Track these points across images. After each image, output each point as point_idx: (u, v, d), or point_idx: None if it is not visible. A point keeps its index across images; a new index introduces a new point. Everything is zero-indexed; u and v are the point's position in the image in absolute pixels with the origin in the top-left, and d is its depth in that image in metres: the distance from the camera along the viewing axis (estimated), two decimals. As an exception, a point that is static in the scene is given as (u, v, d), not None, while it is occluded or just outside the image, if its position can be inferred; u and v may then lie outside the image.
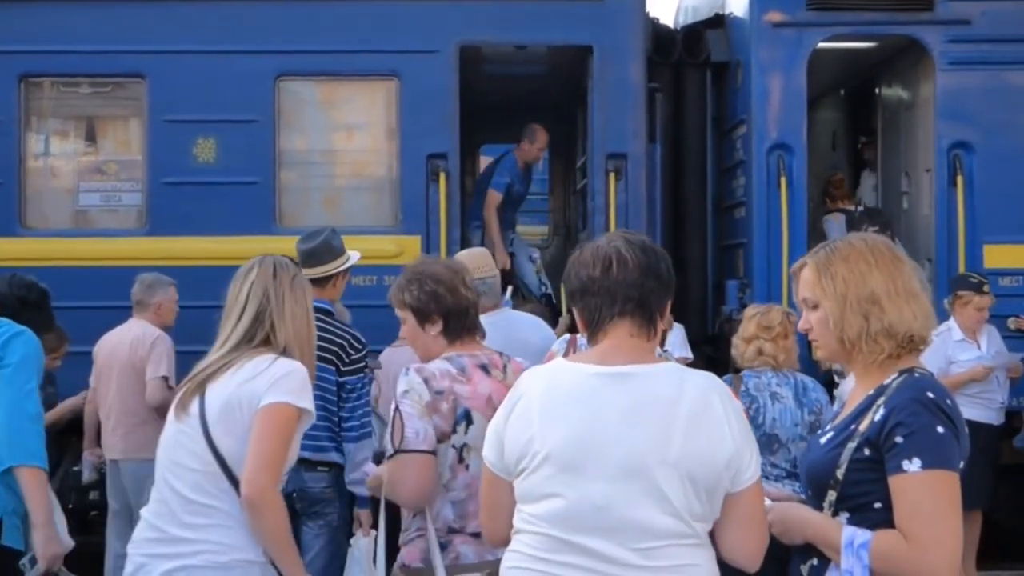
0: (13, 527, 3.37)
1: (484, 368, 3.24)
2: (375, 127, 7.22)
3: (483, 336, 3.40)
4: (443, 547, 3.12)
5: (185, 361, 6.11)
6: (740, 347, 4.86)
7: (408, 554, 3.19)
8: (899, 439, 2.29)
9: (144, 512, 3.03)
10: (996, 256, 7.12)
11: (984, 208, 7.12)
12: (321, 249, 4.75)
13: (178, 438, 2.95)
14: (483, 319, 3.58)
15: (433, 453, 3.09)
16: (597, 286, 2.40)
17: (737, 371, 4.88)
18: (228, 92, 6.91)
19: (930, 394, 2.34)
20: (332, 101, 7.24)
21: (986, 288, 6.55)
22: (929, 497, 2.26)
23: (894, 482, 2.29)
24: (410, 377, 3.15)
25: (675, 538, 2.27)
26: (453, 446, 3.13)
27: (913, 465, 2.26)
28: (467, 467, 3.12)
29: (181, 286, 6.19)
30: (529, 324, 5.02)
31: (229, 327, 3.07)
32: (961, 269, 7.03)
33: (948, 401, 2.34)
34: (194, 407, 2.94)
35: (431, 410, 3.09)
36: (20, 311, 3.72)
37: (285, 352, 3.02)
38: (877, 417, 2.35)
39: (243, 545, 2.89)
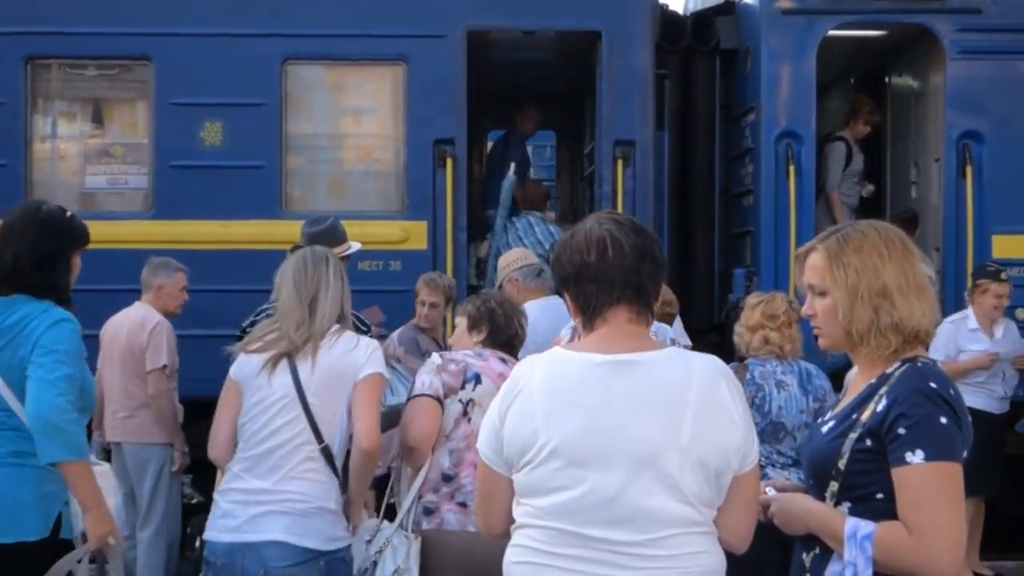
0: (67, 517, 3.36)
1: (502, 360, 3.73)
2: (382, 112, 7.19)
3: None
4: (431, 512, 3.56)
5: (189, 345, 6.19)
6: (745, 336, 4.83)
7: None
8: (902, 430, 2.27)
9: (232, 466, 3.41)
10: (1005, 246, 7.09)
11: (993, 198, 7.09)
12: (328, 234, 4.82)
13: (266, 405, 3.36)
14: (533, 304, 4.27)
15: (438, 400, 3.57)
16: (593, 271, 2.34)
17: (741, 359, 4.87)
18: (235, 75, 6.89)
19: (933, 384, 2.32)
20: (339, 85, 7.22)
21: (1003, 276, 6.56)
22: (932, 489, 2.24)
23: (897, 474, 2.27)
24: (432, 356, 3.74)
25: (686, 526, 2.25)
26: (460, 400, 3.61)
27: (916, 457, 2.25)
28: (469, 420, 3.60)
29: (187, 270, 6.18)
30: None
31: (304, 312, 3.45)
32: (969, 259, 7.02)
33: (951, 391, 2.33)
34: (283, 378, 3.35)
35: (440, 370, 3.63)
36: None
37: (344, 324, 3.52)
38: (879, 407, 2.33)
39: (323, 496, 3.35)
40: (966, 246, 7.07)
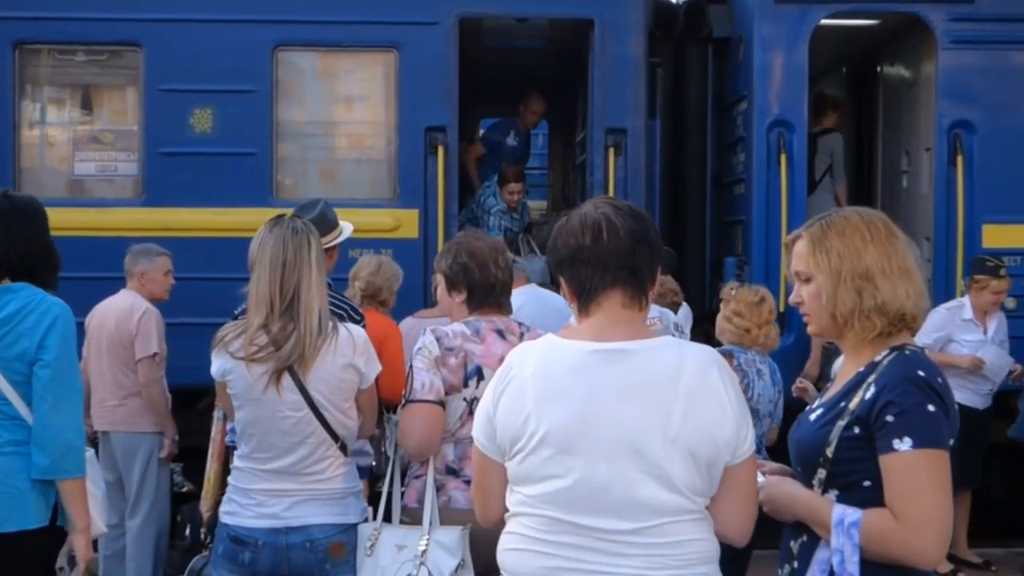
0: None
1: (500, 332, 3.45)
2: (374, 99, 7.17)
3: (509, 312, 3.60)
4: (437, 488, 3.37)
5: (181, 333, 6.16)
6: (765, 330, 4.91)
7: (407, 495, 3.46)
8: (890, 418, 2.28)
9: (242, 464, 3.37)
10: (995, 236, 7.11)
11: (983, 188, 7.11)
12: (318, 221, 4.73)
13: (276, 420, 3.28)
14: (515, 292, 3.83)
15: (440, 404, 3.32)
16: (587, 255, 2.34)
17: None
18: (225, 62, 6.85)
19: (921, 372, 2.33)
20: (330, 72, 7.19)
21: (1003, 272, 6.55)
22: (919, 476, 2.25)
23: (884, 461, 2.28)
24: (425, 336, 3.41)
25: (677, 514, 2.25)
26: (464, 399, 3.36)
27: (904, 444, 2.26)
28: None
29: (177, 257, 6.15)
30: (556, 296, 5.22)
31: (280, 307, 3.28)
32: (960, 248, 7.04)
33: (939, 379, 2.34)
34: (292, 395, 3.26)
35: (439, 364, 3.34)
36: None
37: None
38: (868, 395, 2.34)
39: (352, 482, 3.42)
40: (956, 235, 7.09)
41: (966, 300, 6.62)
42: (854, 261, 2.40)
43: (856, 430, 2.33)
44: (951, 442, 2.32)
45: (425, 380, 3.33)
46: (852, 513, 2.30)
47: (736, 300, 4.98)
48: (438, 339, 3.38)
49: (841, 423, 2.35)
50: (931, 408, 2.27)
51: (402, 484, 3.50)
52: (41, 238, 3.44)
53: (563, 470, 2.26)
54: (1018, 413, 6.49)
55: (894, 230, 2.47)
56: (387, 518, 3.44)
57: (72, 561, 3.32)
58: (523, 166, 8.41)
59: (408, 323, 5.89)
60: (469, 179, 8.51)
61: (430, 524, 3.31)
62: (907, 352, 2.38)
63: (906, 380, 2.30)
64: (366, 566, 3.33)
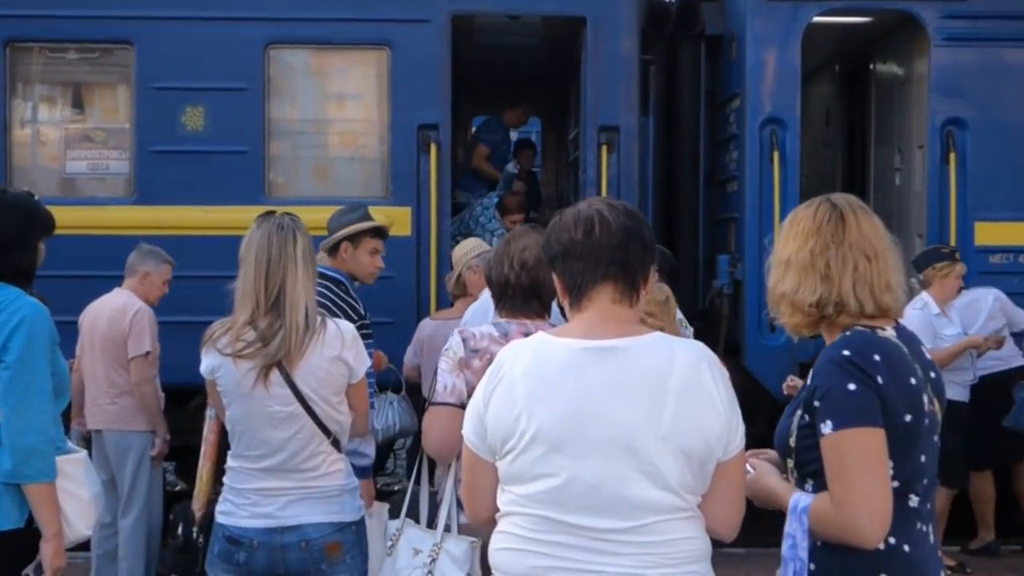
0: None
1: (528, 336, 3.33)
2: (366, 97, 7.15)
3: (542, 315, 3.45)
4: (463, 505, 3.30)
5: (172, 332, 6.14)
6: (673, 327, 4.77)
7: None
8: (818, 403, 2.33)
9: (235, 464, 3.36)
10: (987, 233, 7.12)
11: (976, 185, 7.12)
12: (333, 220, 4.82)
13: (265, 416, 3.28)
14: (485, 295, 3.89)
15: (461, 407, 3.22)
16: (579, 249, 2.35)
17: None
18: (217, 60, 6.84)
19: (845, 352, 2.33)
20: (323, 70, 7.17)
21: (958, 255, 6.57)
22: (843, 458, 2.27)
23: (820, 446, 2.33)
24: (453, 337, 3.36)
25: (669, 512, 2.25)
26: None
27: (827, 427, 2.29)
28: None
29: (170, 255, 6.13)
30: None
31: (267, 302, 3.29)
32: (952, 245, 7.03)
33: (871, 356, 2.31)
34: (281, 390, 3.27)
35: (463, 366, 3.27)
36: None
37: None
38: (808, 381, 2.40)
39: (347, 479, 3.40)
40: (949, 233, 7.10)
41: (926, 297, 6.53)
42: (778, 251, 2.50)
43: (807, 418, 2.38)
44: (908, 418, 2.30)
45: (448, 383, 3.28)
46: (805, 499, 2.35)
47: (645, 300, 4.84)
48: (464, 340, 3.32)
49: (799, 412, 2.40)
50: (851, 386, 2.28)
51: (431, 484, 3.49)
52: (3, 234, 3.32)
53: (554, 469, 2.25)
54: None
55: (843, 223, 2.45)
56: (411, 515, 3.45)
57: (39, 568, 3.24)
58: (523, 198, 8.44)
59: (430, 325, 5.87)
60: (485, 179, 8.59)
61: (443, 532, 3.29)
62: (847, 333, 2.40)
63: (829, 362, 2.33)
64: (385, 565, 3.36)
